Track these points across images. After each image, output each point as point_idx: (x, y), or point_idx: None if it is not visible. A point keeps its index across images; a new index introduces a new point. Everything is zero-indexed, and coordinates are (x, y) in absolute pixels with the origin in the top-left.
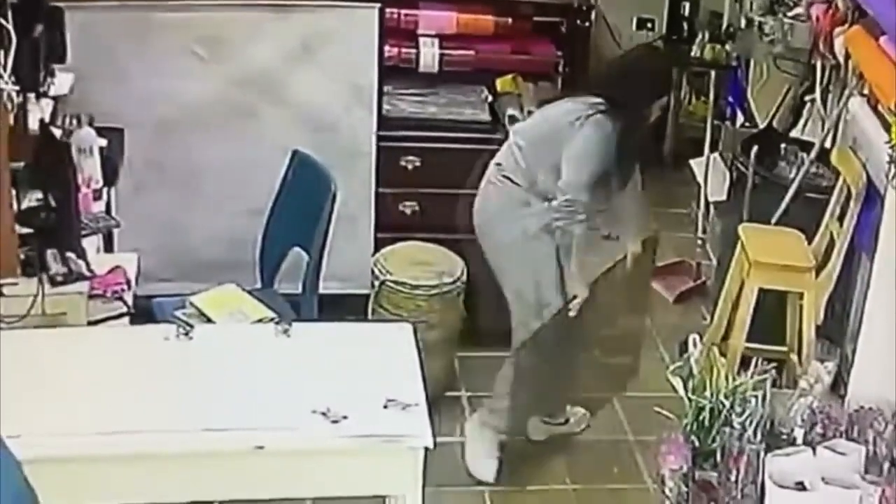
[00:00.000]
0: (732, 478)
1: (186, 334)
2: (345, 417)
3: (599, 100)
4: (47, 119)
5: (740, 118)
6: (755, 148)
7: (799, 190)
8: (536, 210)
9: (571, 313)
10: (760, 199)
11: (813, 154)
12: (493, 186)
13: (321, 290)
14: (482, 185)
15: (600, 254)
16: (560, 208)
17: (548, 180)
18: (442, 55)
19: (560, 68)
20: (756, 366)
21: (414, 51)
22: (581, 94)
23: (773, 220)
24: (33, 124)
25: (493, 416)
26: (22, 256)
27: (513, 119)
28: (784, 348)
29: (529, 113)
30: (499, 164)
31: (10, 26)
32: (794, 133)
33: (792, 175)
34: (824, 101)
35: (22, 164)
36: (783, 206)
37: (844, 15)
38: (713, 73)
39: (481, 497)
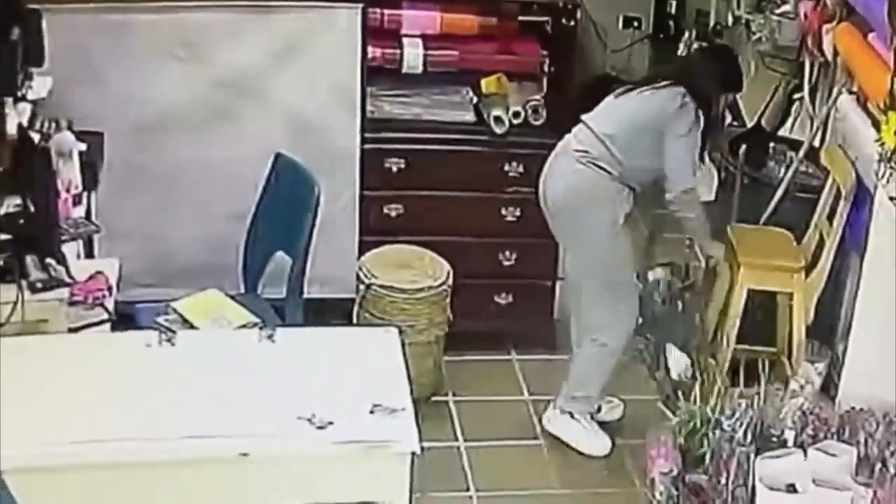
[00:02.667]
0: (723, 480)
1: (169, 341)
2: (330, 423)
3: (681, 88)
4: (25, 123)
5: (728, 117)
6: (743, 147)
7: (788, 189)
8: (624, 197)
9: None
10: (749, 198)
11: (801, 153)
12: (585, 171)
13: (306, 295)
14: (562, 165)
15: None
16: (680, 199)
17: (636, 169)
18: (426, 56)
19: (545, 68)
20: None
21: (398, 51)
22: (651, 84)
23: (762, 221)
24: (11, 129)
25: (577, 402)
26: (1, 263)
27: (498, 120)
28: (774, 349)
29: (516, 114)
30: (585, 151)
31: None
32: (782, 132)
33: (781, 174)
34: (813, 100)
35: (0, 169)
36: (771, 206)
37: (833, 12)
38: None
39: (469, 502)
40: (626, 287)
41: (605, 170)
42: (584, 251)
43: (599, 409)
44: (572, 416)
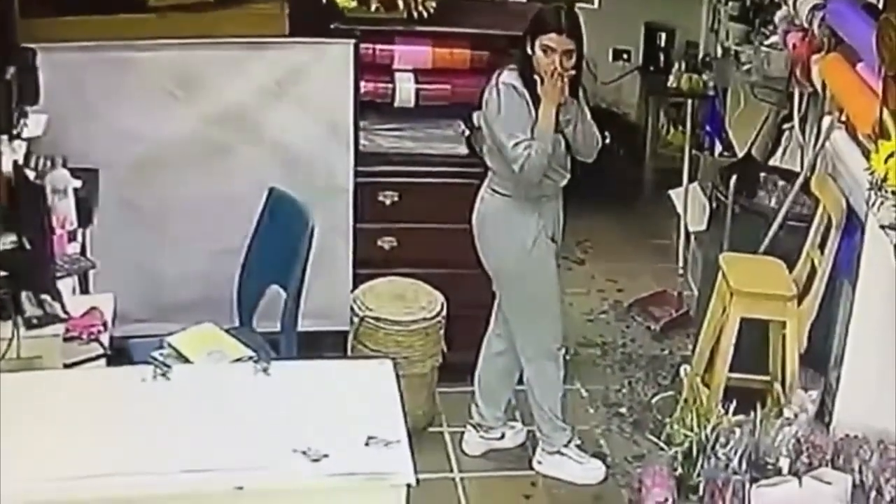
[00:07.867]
0: None
1: (164, 375)
2: (325, 456)
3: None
4: (21, 161)
5: (718, 147)
6: (734, 177)
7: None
8: (534, 219)
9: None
10: (740, 228)
11: (797, 186)
12: (486, 197)
13: (300, 328)
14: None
15: None
16: (518, 154)
17: (500, 175)
18: (418, 90)
19: None
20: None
21: (390, 86)
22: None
23: (761, 251)
24: (7, 166)
25: (556, 434)
26: None
27: None
28: (767, 377)
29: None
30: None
31: None
32: (772, 161)
33: (772, 203)
34: (802, 129)
35: None
36: (768, 238)
37: (821, 42)
38: (690, 103)
39: None
40: (546, 306)
41: (497, 191)
42: (496, 273)
43: (503, 436)
44: (560, 453)
